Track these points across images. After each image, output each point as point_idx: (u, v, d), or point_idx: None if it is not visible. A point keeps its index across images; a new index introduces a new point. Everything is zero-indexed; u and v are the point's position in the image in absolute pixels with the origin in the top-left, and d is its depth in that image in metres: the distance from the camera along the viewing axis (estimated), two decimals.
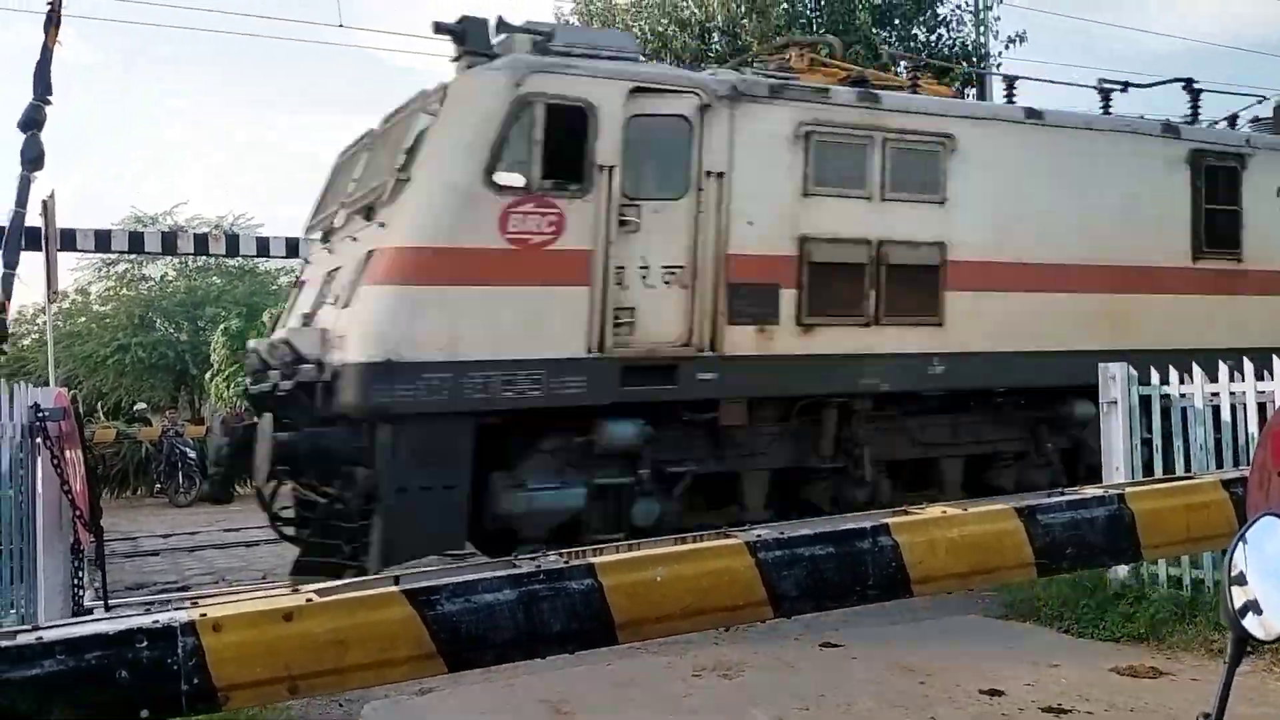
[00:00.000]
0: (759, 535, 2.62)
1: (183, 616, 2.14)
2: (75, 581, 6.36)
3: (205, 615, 2.15)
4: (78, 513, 6.14)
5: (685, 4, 17.54)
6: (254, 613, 2.24)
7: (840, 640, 6.47)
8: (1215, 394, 6.92)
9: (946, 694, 5.48)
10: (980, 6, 19.77)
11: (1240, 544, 1.75)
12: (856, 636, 6.48)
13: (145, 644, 2.08)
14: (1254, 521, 1.76)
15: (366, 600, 2.28)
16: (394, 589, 2.28)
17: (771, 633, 6.23)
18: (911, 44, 18.62)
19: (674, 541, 2.60)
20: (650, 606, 2.42)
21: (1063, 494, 2.94)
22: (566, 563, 2.36)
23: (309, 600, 2.26)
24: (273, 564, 9.88)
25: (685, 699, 5.61)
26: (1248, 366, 6.78)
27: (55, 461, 6.07)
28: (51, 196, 5.39)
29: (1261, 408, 6.64)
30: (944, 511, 2.80)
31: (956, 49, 18.76)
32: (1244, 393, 6.77)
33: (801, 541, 2.63)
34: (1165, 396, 7.16)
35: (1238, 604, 1.72)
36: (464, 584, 2.26)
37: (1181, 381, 7.10)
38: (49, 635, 2.07)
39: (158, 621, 2.12)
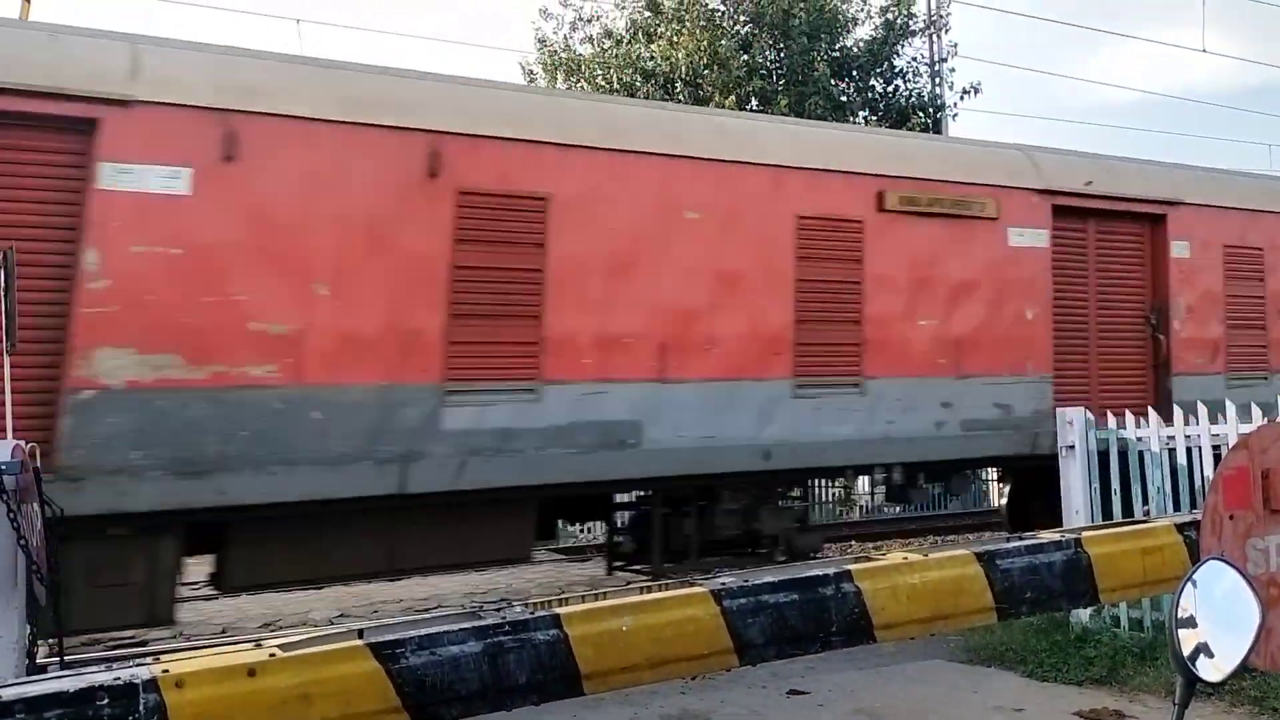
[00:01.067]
0: (723, 583, 2.64)
1: (144, 673, 2.12)
2: (30, 638, 6.22)
3: (168, 671, 2.13)
4: (34, 568, 6.02)
5: (650, 56, 17.82)
6: (217, 668, 2.22)
7: (807, 687, 6.46)
8: (1171, 438, 7.05)
9: None
10: (935, 59, 20.25)
11: (1189, 587, 1.80)
12: (823, 684, 6.48)
13: (106, 702, 2.06)
14: (1200, 565, 1.81)
15: (331, 654, 2.27)
16: (358, 642, 2.27)
17: (738, 681, 6.21)
18: (869, 95, 19.02)
19: (639, 590, 2.61)
20: (616, 656, 2.43)
21: (1021, 539, 2.99)
22: (532, 613, 2.37)
23: (272, 655, 2.25)
24: (232, 618, 9.73)
25: None
26: (1201, 410, 6.93)
27: (11, 515, 5.97)
28: (12, 249, 5.30)
29: (1216, 450, 6.76)
30: (905, 558, 2.83)
31: (913, 100, 19.17)
32: (1199, 435, 6.91)
33: (765, 589, 2.65)
34: (1122, 440, 7.28)
35: (1188, 647, 1.76)
36: (429, 636, 2.26)
37: (1137, 425, 7.23)
38: (7, 694, 2.04)
39: (119, 678, 2.10)
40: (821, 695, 6.36)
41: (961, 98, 19.58)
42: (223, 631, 9.41)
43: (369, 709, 2.24)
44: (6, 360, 5.49)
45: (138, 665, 2.18)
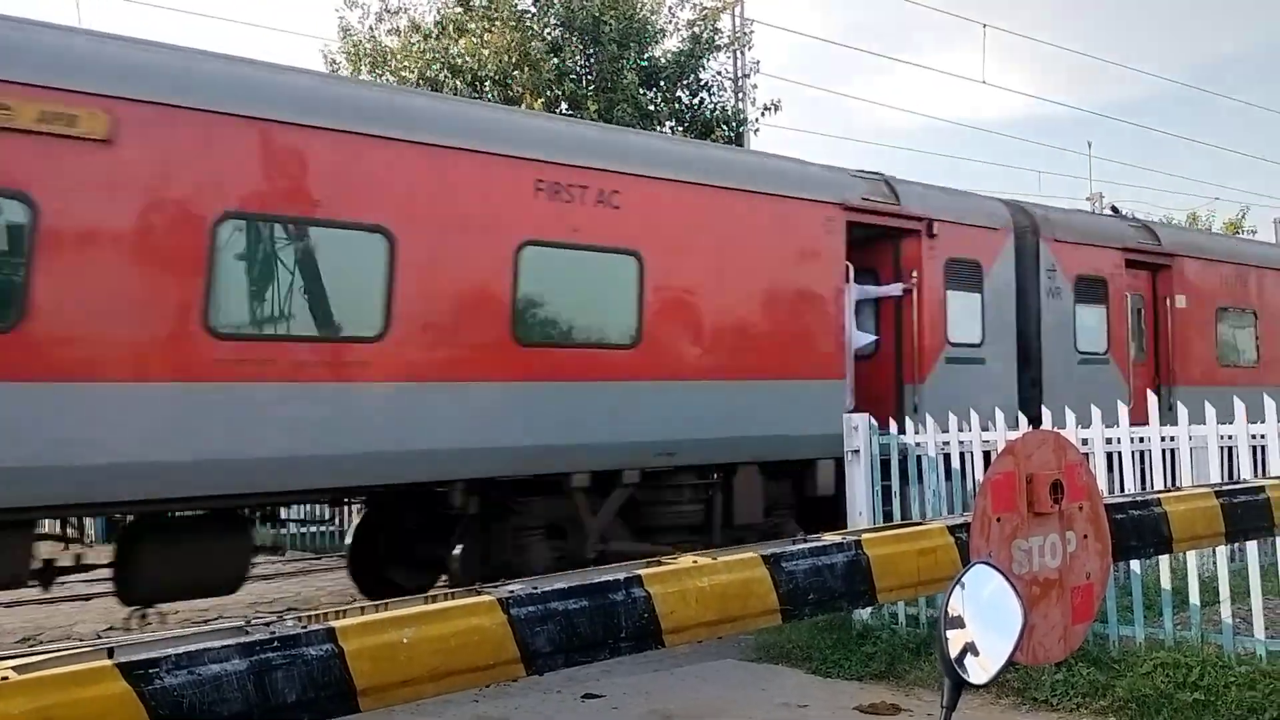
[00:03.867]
0: (511, 591, 2.56)
1: None
2: None
3: None
4: None
5: (458, 51, 17.52)
6: None
7: (601, 690, 6.47)
8: (947, 443, 7.45)
9: None
10: (739, 74, 20.84)
11: (958, 589, 1.86)
12: (617, 687, 6.50)
13: None
14: (969, 568, 1.87)
15: (74, 675, 2.06)
16: (106, 662, 2.07)
17: (533, 687, 6.15)
18: (676, 106, 19.36)
19: (424, 600, 2.51)
20: (395, 670, 2.31)
21: (805, 541, 3.05)
22: (304, 627, 2.22)
23: (4, 678, 2.02)
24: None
25: None
26: (974, 417, 7.35)
27: None
28: None
29: (987, 456, 7.20)
30: (695, 561, 2.83)
31: (717, 113, 19.64)
32: (971, 441, 7.33)
33: (555, 596, 2.59)
34: (903, 445, 7.65)
35: (956, 647, 1.81)
36: (187, 655, 2.08)
37: (917, 431, 7.61)
38: None
39: None
40: (616, 698, 6.38)
41: (763, 114, 20.22)
42: None
43: None
44: None
45: None
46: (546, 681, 6.08)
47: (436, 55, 17.54)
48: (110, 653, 2.15)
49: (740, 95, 20.72)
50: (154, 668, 2.08)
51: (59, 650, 2.30)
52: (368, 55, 18.34)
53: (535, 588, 2.58)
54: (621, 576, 2.71)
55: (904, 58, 78.12)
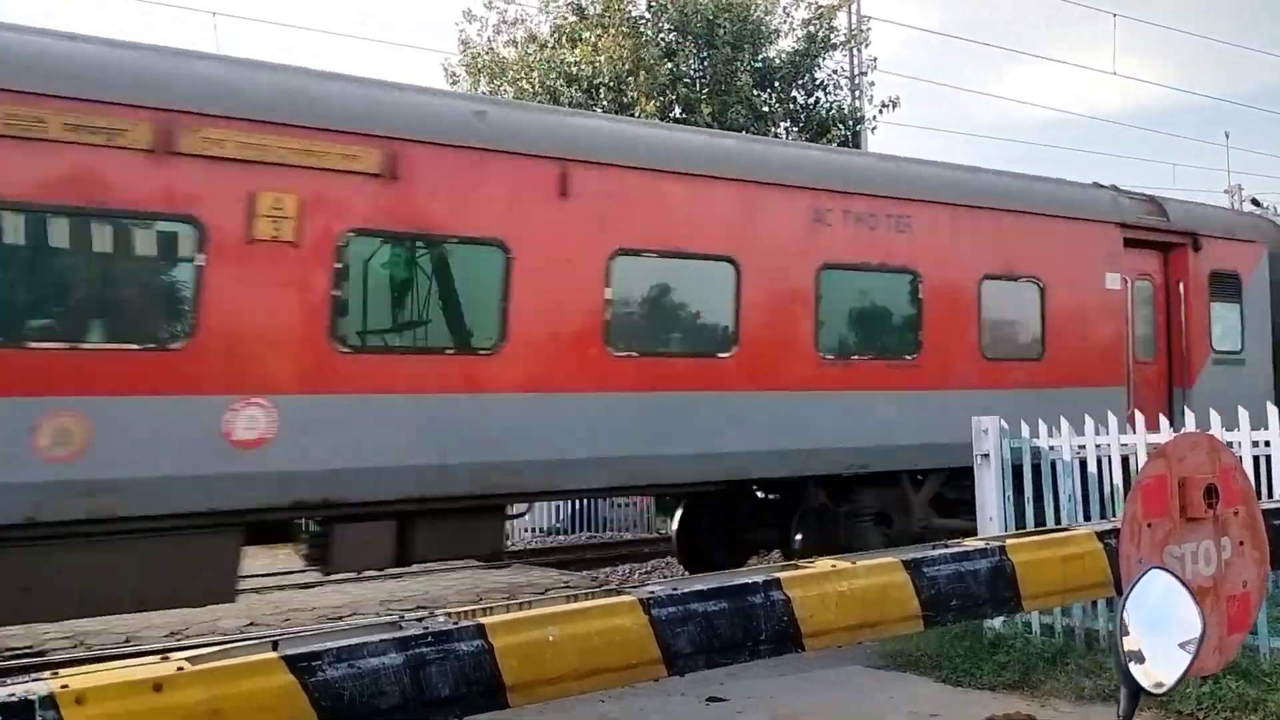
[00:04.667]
0: (652, 592, 2.59)
1: (42, 689, 1.99)
2: None
3: (67, 687, 2.00)
4: None
5: (574, 60, 17.75)
6: (120, 683, 2.09)
7: (726, 694, 6.45)
8: (1082, 447, 7.21)
9: None
10: (855, 72, 20.56)
11: (1130, 596, 1.81)
12: (742, 690, 6.48)
13: None
14: (1143, 574, 1.82)
15: (243, 667, 2.16)
16: (273, 655, 2.16)
17: (657, 689, 6.17)
18: (791, 106, 19.21)
19: (566, 599, 2.55)
20: (542, 668, 2.36)
21: (946, 546, 3.00)
22: (455, 623, 2.29)
23: (180, 669, 2.13)
24: (136, 625, 9.39)
25: None
26: (1111, 420, 7.10)
27: None
28: None
29: (1125, 460, 6.94)
30: (834, 565, 2.82)
31: (833, 112, 19.42)
32: (1108, 445, 7.08)
33: (694, 597, 2.61)
34: (1035, 450, 7.43)
35: (1127, 655, 1.76)
36: (348, 648, 2.17)
37: (1050, 435, 7.38)
38: None
39: (14, 695, 1.96)
40: (740, 702, 6.36)
41: (880, 111, 19.91)
42: (125, 640, 9.08)
43: None
44: None
45: (34, 680, 2.05)
46: (670, 684, 6.10)
47: (553, 65, 17.81)
48: (275, 645, 2.25)
49: (857, 93, 20.45)
50: (316, 660, 2.17)
51: (227, 643, 2.41)
52: (486, 68, 18.74)
53: (675, 589, 2.61)
54: (760, 579, 2.71)
55: (1028, 50, 76.06)
